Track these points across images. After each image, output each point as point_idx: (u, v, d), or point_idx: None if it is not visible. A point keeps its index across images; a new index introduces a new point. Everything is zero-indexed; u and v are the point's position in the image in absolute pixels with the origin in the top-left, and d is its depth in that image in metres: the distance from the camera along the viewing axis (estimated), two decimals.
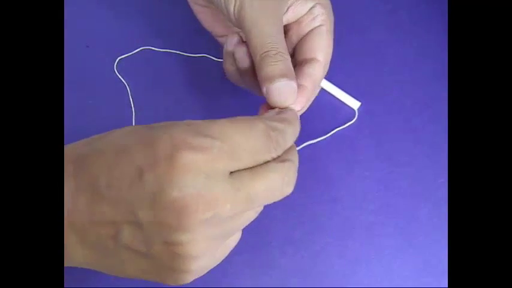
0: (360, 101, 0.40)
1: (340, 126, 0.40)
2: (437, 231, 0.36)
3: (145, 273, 0.25)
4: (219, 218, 0.22)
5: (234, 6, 0.31)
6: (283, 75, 0.29)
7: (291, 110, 0.29)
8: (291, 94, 0.29)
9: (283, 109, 0.29)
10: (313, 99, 0.34)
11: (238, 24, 0.32)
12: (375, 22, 0.44)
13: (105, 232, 0.23)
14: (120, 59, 0.43)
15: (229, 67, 0.34)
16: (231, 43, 0.33)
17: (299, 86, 0.31)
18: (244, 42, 0.33)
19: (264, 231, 0.36)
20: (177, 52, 0.43)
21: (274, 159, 0.25)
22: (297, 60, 0.34)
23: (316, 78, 0.32)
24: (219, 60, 0.42)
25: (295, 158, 0.26)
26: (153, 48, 0.43)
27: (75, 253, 0.24)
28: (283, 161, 0.25)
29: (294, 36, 0.34)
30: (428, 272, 0.35)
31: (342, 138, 0.39)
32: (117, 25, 0.44)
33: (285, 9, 0.33)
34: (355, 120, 0.40)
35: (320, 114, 0.38)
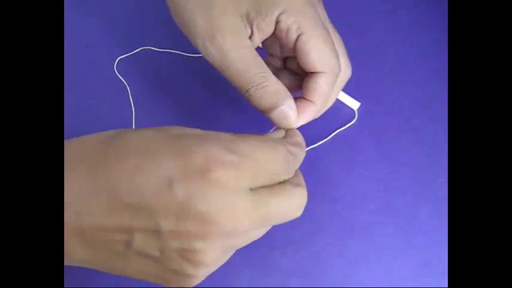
0: (359, 101, 0.40)
1: (340, 127, 0.40)
2: (437, 231, 0.36)
3: (149, 275, 0.25)
4: (236, 232, 0.23)
5: (199, 46, 0.30)
6: (275, 104, 0.30)
7: (298, 133, 0.30)
8: (291, 115, 0.30)
9: (291, 129, 0.30)
10: (326, 109, 0.33)
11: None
12: (375, 22, 0.44)
13: (117, 238, 0.23)
14: (120, 59, 0.43)
15: None
16: None
17: (306, 101, 0.31)
18: None
19: None
20: (177, 52, 0.43)
21: (289, 183, 0.26)
22: (305, 72, 0.32)
23: (323, 91, 0.31)
24: None
25: (303, 182, 0.27)
26: (152, 48, 0.43)
27: (75, 254, 0.24)
28: (297, 185, 0.26)
29: (285, 48, 0.32)
30: (428, 272, 0.35)
31: (342, 138, 0.39)
32: (117, 25, 0.44)
33: (248, 32, 0.30)
34: (355, 121, 0.40)
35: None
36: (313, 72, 0.31)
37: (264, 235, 0.35)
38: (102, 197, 0.23)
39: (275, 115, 0.30)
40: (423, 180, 0.38)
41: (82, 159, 0.24)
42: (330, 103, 0.33)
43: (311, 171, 0.38)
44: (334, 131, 0.40)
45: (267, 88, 0.30)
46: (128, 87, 0.41)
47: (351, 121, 0.40)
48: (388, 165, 0.38)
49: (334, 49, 0.31)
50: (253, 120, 0.38)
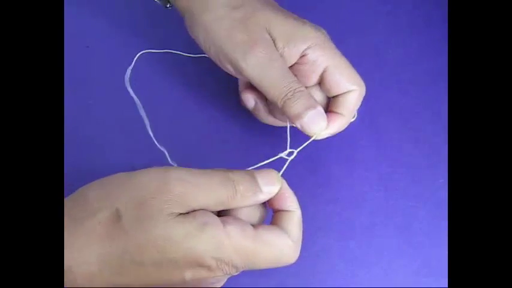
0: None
1: None
2: (437, 231, 0.36)
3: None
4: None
5: (237, 59, 0.33)
6: (308, 108, 0.32)
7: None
8: (322, 119, 0.32)
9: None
10: (350, 122, 0.36)
11: (243, 76, 0.33)
12: (375, 22, 0.44)
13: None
14: (120, 59, 0.42)
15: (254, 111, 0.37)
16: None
17: (335, 113, 0.34)
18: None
19: None
20: (177, 52, 0.43)
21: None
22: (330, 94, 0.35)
23: (353, 105, 0.34)
24: None
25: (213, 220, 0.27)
26: (152, 51, 0.43)
27: None
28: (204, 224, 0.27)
29: (310, 71, 0.34)
30: (428, 272, 0.35)
31: (341, 138, 0.39)
32: (117, 24, 0.44)
33: (279, 52, 0.33)
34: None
35: None
36: (340, 93, 0.34)
37: None
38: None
39: (308, 119, 0.32)
40: (423, 180, 0.38)
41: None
42: (354, 117, 0.36)
43: (311, 171, 0.38)
44: None
45: (303, 92, 0.32)
46: (128, 86, 0.41)
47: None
48: (388, 166, 0.38)
49: (355, 69, 0.34)
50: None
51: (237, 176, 0.27)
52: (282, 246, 0.27)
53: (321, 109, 0.33)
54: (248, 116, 0.38)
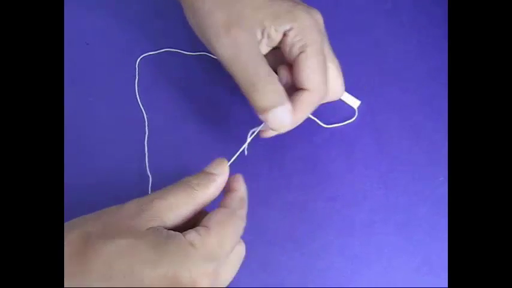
0: (359, 99, 0.40)
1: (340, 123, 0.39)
2: (437, 229, 0.36)
3: None
4: None
5: (212, 37, 0.32)
6: (274, 105, 0.31)
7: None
8: (287, 118, 0.32)
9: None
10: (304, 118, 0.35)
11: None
12: (375, 21, 0.43)
13: None
14: (120, 58, 0.42)
15: None
16: None
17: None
18: None
19: (263, 230, 0.36)
20: (177, 50, 0.42)
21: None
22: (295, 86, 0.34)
23: (303, 106, 0.33)
24: None
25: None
26: (151, 53, 0.42)
27: None
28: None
29: (286, 60, 0.34)
30: (428, 270, 0.35)
31: (341, 135, 0.39)
32: (117, 23, 0.43)
33: (259, 38, 0.32)
34: (355, 118, 0.40)
35: (320, 112, 0.37)
36: (301, 89, 0.33)
37: (262, 233, 0.36)
38: None
39: (272, 116, 0.31)
40: (423, 178, 0.38)
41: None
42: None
43: (311, 168, 0.38)
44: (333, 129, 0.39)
45: (271, 86, 0.31)
46: (129, 86, 0.41)
47: (351, 119, 0.40)
48: (388, 163, 0.38)
49: (325, 74, 0.33)
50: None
51: (187, 177, 0.28)
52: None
53: (288, 106, 0.31)
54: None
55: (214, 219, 0.27)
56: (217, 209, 0.28)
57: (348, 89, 0.40)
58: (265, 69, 0.31)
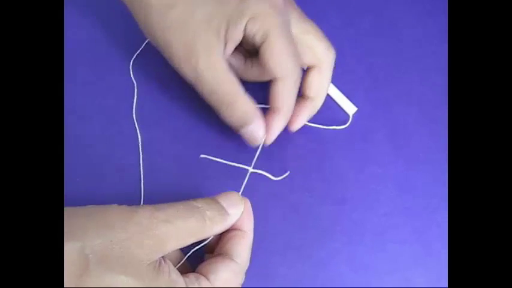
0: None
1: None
2: None
3: None
4: None
5: (175, 66, 0.34)
6: (244, 123, 0.33)
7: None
8: (258, 135, 0.34)
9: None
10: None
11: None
12: (375, 20, 0.42)
13: None
14: (121, 57, 0.41)
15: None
16: None
17: (273, 114, 0.34)
18: None
19: (262, 236, 0.34)
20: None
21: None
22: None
23: (283, 97, 0.33)
24: None
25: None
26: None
27: None
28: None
29: (252, 46, 0.34)
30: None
31: (351, 130, 0.38)
32: (116, 22, 0.42)
33: (222, 46, 0.32)
34: (366, 110, 0.38)
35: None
36: (272, 79, 0.33)
37: (261, 240, 0.34)
38: None
39: (244, 134, 0.34)
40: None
41: None
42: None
43: (317, 168, 0.37)
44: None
45: (237, 108, 0.33)
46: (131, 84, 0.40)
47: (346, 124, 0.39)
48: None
49: (294, 55, 0.33)
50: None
51: (201, 203, 0.28)
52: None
53: (255, 125, 0.33)
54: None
55: (222, 276, 0.28)
56: (227, 263, 0.28)
57: (358, 82, 0.39)
58: (230, 89, 0.33)
